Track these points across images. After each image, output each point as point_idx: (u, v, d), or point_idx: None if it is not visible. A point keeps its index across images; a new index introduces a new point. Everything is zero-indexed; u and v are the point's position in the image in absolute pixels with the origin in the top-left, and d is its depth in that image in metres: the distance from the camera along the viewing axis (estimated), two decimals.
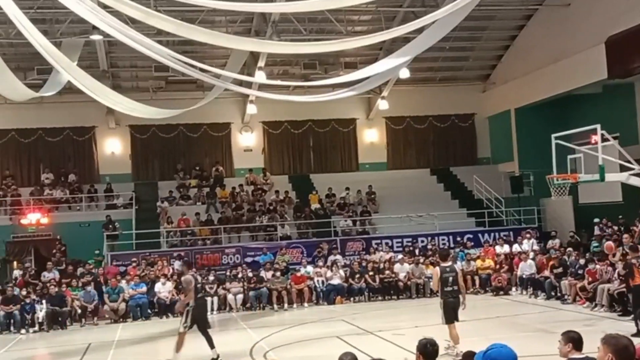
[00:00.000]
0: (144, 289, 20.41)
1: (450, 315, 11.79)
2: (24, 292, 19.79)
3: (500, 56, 29.37)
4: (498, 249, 22.73)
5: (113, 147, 28.21)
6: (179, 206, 26.38)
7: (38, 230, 24.37)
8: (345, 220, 25.89)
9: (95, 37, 20.64)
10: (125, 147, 28.34)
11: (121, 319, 19.74)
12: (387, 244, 24.17)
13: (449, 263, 12.40)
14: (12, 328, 18.91)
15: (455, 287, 11.92)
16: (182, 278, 13.87)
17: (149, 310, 20.15)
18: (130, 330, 18.15)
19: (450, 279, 11.87)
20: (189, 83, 26.07)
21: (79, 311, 19.66)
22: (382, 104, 28.71)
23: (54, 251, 23.30)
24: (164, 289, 20.36)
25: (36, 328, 18.94)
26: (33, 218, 24.40)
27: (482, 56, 29.57)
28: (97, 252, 23.11)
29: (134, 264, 21.99)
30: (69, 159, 27.70)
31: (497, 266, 21.64)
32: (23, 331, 18.71)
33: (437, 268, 12.54)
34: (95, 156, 28.12)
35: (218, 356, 12.83)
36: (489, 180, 27.68)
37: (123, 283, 20.49)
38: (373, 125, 30.29)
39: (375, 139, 30.39)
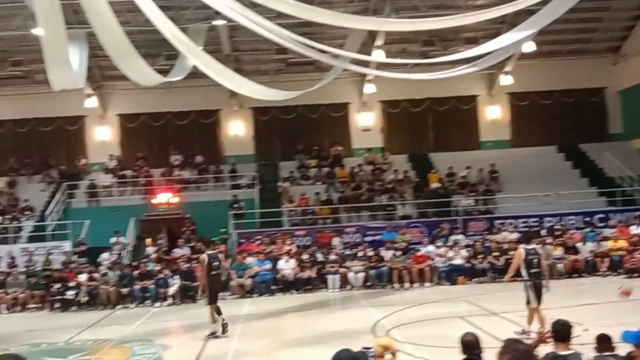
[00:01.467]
0: (269, 266, 21.03)
1: (539, 296, 11.90)
2: (157, 268, 20.95)
3: (631, 27, 27.59)
4: (633, 229, 21.57)
5: (236, 129, 29.08)
6: (299, 186, 26.87)
7: (169, 209, 25.61)
8: (467, 200, 25.39)
9: (219, 22, 21.26)
10: (248, 129, 29.15)
11: (248, 294, 20.47)
12: (511, 224, 23.50)
13: (533, 245, 12.54)
14: (147, 302, 20.09)
15: (540, 270, 12.11)
16: (199, 257, 14.99)
17: (273, 286, 20.74)
18: (256, 305, 18.76)
19: (535, 260, 12.05)
20: (308, 64, 26.33)
21: None
22: (505, 80, 27.80)
23: (184, 229, 24.42)
24: (287, 266, 20.88)
25: (169, 301, 20.00)
26: (164, 198, 25.66)
27: (612, 27, 27.89)
28: (223, 230, 23.98)
29: (258, 242, 22.67)
30: (195, 141, 28.84)
31: (632, 247, 20.55)
32: (157, 304, 19.82)
33: (521, 249, 12.51)
34: (220, 138, 29.14)
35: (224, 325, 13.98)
36: (621, 157, 26.25)
37: (249, 260, 21.19)
38: (495, 101, 29.40)
39: (498, 116, 29.49)
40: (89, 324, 17.09)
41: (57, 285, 20.25)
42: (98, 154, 28.17)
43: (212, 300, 14.25)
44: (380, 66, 23.30)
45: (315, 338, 13.51)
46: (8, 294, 20.35)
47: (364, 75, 26.21)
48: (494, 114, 29.49)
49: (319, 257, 21.56)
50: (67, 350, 13.61)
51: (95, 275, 20.56)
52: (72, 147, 28.52)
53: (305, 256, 21.59)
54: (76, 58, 15.16)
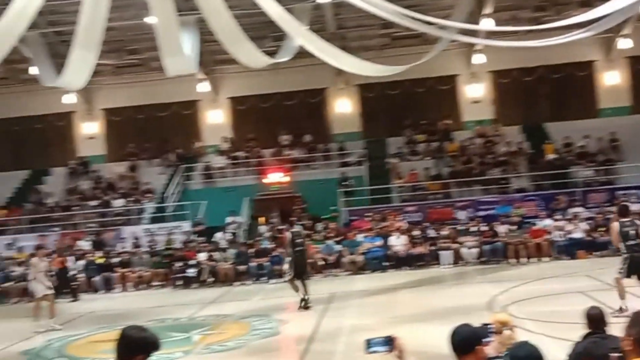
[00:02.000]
0: (380, 242, 21.05)
1: (632, 270, 11.56)
2: (271, 246, 21.47)
3: None
4: None
5: (343, 106, 29.15)
6: (408, 161, 26.64)
7: (280, 188, 26.13)
8: (586, 171, 24.29)
9: (323, 0, 21.27)
10: (355, 106, 29.15)
11: (359, 271, 20.61)
12: (634, 194, 22.27)
13: (629, 218, 12.05)
14: (263, 278, 20.67)
15: (638, 241, 11.65)
16: (284, 235, 16.03)
17: (385, 263, 20.76)
18: (368, 282, 18.85)
19: (631, 232, 11.64)
20: (414, 38, 25.94)
21: (321, 262, 20.86)
22: (624, 43, 26.22)
23: (295, 207, 24.85)
24: (398, 243, 20.83)
25: (284, 279, 20.44)
26: (275, 177, 26.21)
27: None
28: (333, 207, 24.20)
29: (368, 219, 22.73)
30: (303, 120, 29.18)
31: None
32: (272, 281, 20.34)
33: (616, 223, 12.09)
34: (327, 116, 29.33)
35: (306, 300, 14.97)
36: None
37: (360, 236, 21.30)
38: (613, 66, 27.82)
39: (617, 82, 27.91)
40: (209, 300, 17.79)
41: (179, 264, 21.20)
42: (212, 136, 29.09)
43: (298, 276, 15.22)
44: (490, 35, 22.60)
45: (430, 314, 13.42)
46: (134, 273, 21.50)
47: (473, 45, 25.50)
48: (612, 79, 27.93)
49: (431, 233, 21.35)
50: (190, 325, 14.23)
51: (214, 254, 21.33)
52: (188, 131, 29.60)
53: (416, 232, 21.45)
54: (188, 44, 15.65)
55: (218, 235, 22.82)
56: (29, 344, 13.39)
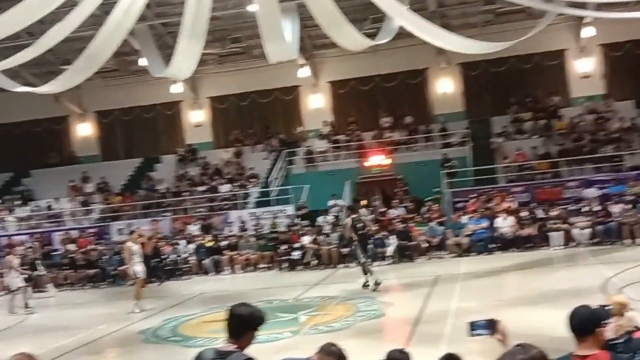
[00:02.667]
0: (485, 224, 20.62)
1: None
2: (374, 228, 21.47)
3: None
4: None
5: (445, 86, 28.63)
6: (514, 141, 25.87)
7: (382, 171, 26.06)
8: None
9: None
10: (457, 86, 28.56)
11: (465, 253, 20.29)
12: None
13: None
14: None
15: None
16: (345, 221, 16.81)
17: (491, 245, 20.33)
18: (474, 264, 18.53)
19: None
20: (518, 13, 25.09)
21: (425, 245, 20.70)
22: None
23: (397, 190, 24.73)
24: (505, 224, 20.33)
25: (388, 261, 20.46)
26: (376, 160, 26.15)
27: None
28: (436, 189, 23.90)
29: (472, 200, 22.29)
30: (404, 102, 28.90)
31: None
32: (376, 263, 20.33)
33: None
34: (428, 97, 28.93)
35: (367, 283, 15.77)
36: None
37: (464, 219, 20.95)
38: None
39: None
40: (314, 282, 18.06)
41: (284, 247, 21.62)
42: (313, 121, 29.36)
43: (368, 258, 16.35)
44: (601, 7, 21.47)
45: (539, 297, 13.06)
46: (241, 255, 22.12)
47: (582, 18, 24.35)
48: None
49: (539, 213, 20.69)
50: (297, 306, 14.51)
51: (318, 237, 21.59)
52: (289, 116, 30.01)
53: (524, 213, 20.84)
54: (289, 30, 15.79)
55: (320, 219, 23.07)
56: (146, 324, 14.07)
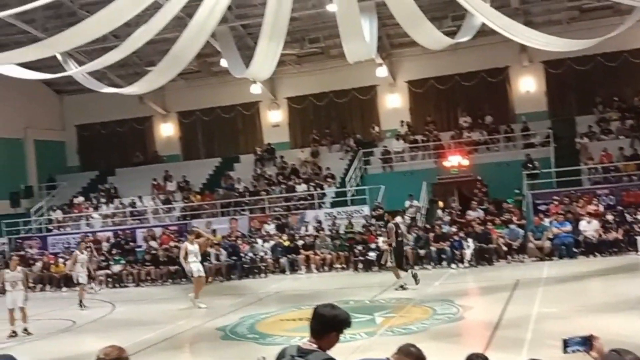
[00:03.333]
0: (569, 227, 19.96)
1: None
2: (452, 230, 21.16)
3: None
4: None
5: (527, 85, 27.93)
6: (600, 141, 24.96)
7: (460, 171, 25.64)
8: None
9: None
10: (540, 84, 27.82)
11: (546, 257, 19.71)
12: None
13: None
14: (443, 263, 20.44)
15: None
16: (388, 225, 17.26)
17: (575, 249, 19.67)
18: (556, 269, 17.98)
19: None
20: (605, 9, 24.23)
21: (505, 248, 20.22)
22: None
23: (476, 191, 24.27)
24: (589, 228, 19.63)
25: (465, 264, 20.10)
26: (454, 160, 25.74)
27: None
28: (517, 191, 23.32)
29: (555, 202, 21.64)
30: (484, 101, 28.34)
31: None
32: (453, 266, 20.06)
33: None
34: (509, 96, 28.27)
35: (404, 285, 16.36)
36: None
37: (547, 221, 20.35)
38: None
39: None
40: (390, 283, 17.91)
41: (359, 247, 21.57)
42: (389, 121, 29.19)
43: (399, 263, 16.81)
44: None
45: (623, 303, 12.55)
46: (317, 255, 22.20)
47: None
48: None
49: (627, 217, 19.87)
50: (372, 307, 14.42)
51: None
52: (366, 116, 29.94)
53: (609, 217, 20.06)
54: (367, 29, 15.74)
55: (398, 219, 22.84)
56: (224, 321, 14.30)
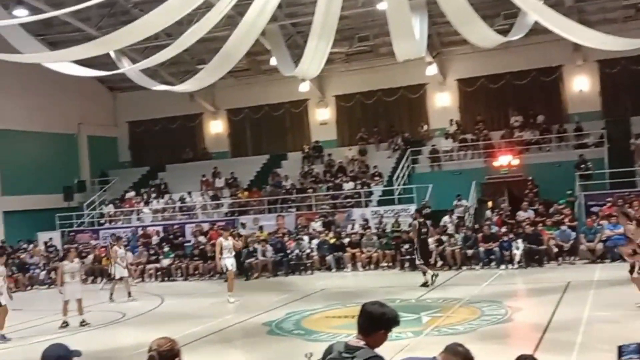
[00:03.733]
0: (622, 229, 19.44)
1: None
2: (501, 231, 20.86)
3: None
4: None
5: (581, 84, 27.37)
6: None
7: (510, 171, 25.27)
8: None
9: None
10: (594, 84, 27.25)
11: (598, 260, 19.28)
12: None
13: None
14: (492, 264, 20.17)
15: None
16: (412, 223, 17.43)
17: None
18: (608, 271, 17.55)
19: None
20: None
21: (555, 250, 19.85)
22: None
23: (526, 191, 23.87)
24: None
25: (514, 265, 19.80)
26: (504, 160, 25.38)
27: None
28: (569, 192, 22.86)
29: (608, 204, 21.14)
30: (536, 101, 27.86)
31: None
32: (502, 267, 19.78)
33: None
34: (562, 95, 27.73)
35: (426, 283, 16.84)
36: None
37: (599, 223, 19.90)
38: None
39: None
40: (437, 283, 17.77)
41: (406, 246, 21.43)
42: (438, 119, 28.97)
43: (425, 260, 17.41)
44: None
45: None
46: (363, 253, 22.17)
47: None
48: None
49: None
50: (419, 307, 14.33)
51: (442, 237, 21.25)
52: (414, 115, 29.76)
53: None
54: (417, 28, 15.63)
55: (445, 219, 22.69)
56: (270, 316, 14.41)
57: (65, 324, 14.81)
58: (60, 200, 29.70)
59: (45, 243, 26.13)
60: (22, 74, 25.79)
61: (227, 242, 17.48)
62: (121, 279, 18.91)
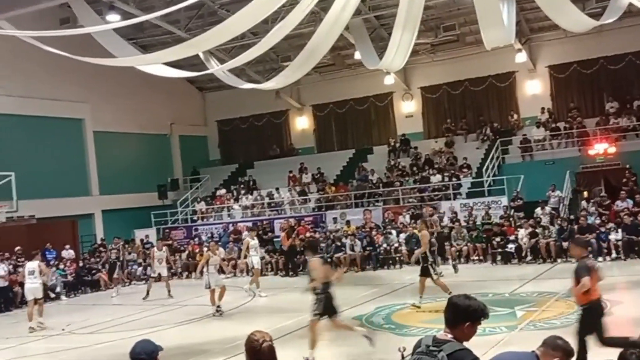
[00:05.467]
0: None
1: None
2: (598, 221, 20.08)
3: None
4: None
5: None
6: None
7: (606, 160, 24.28)
8: None
9: None
10: None
11: None
12: None
13: None
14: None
15: None
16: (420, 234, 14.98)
17: None
18: None
19: None
20: None
21: None
22: None
23: (624, 180, 22.86)
24: None
25: (612, 256, 19.02)
26: (600, 148, 24.42)
27: None
28: None
29: None
30: (632, 85, 26.61)
31: None
32: (600, 259, 19.02)
33: None
34: None
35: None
36: None
37: None
38: None
39: None
40: (530, 276, 17.33)
41: (497, 239, 20.97)
42: (529, 108, 28.17)
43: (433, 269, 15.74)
44: None
45: None
46: (453, 247, 21.83)
47: None
48: None
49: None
50: (512, 300, 14.01)
51: (535, 230, 20.66)
52: (503, 104, 29.05)
53: None
54: (506, 14, 15.21)
55: (538, 211, 22.02)
56: (359, 310, 14.42)
57: (219, 311, 15.75)
58: (154, 199, 30.76)
59: (142, 240, 27.12)
60: (116, 77, 26.87)
61: (253, 242, 19.08)
62: (160, 278, 19.80)
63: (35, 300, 16.04)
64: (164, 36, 26.28)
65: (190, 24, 24.98)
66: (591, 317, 7.66)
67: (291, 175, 30.41)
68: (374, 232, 23.29)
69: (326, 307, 10.48)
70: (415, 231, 22.62)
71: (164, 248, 20.74)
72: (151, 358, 4.18)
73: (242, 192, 30.57)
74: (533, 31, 27.14)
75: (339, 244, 22.63)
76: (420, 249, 14.61)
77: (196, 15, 24.81)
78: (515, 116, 28.36)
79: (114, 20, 20.82)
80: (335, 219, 25.59)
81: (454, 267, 17.24)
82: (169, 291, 19.51)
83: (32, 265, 16.33)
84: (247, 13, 11.37)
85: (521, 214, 22.40)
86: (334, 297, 10.58)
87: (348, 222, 24.68)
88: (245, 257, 19.83)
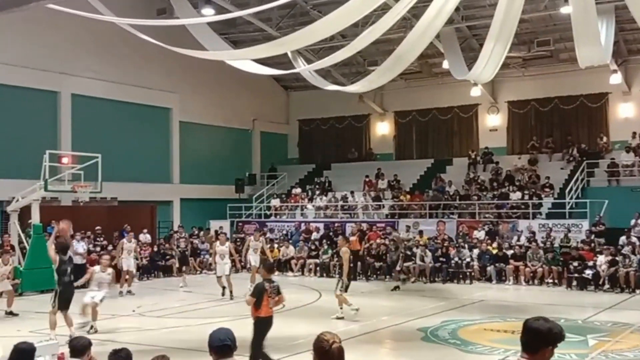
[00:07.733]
0: None
1: None
2: None
3: None
4: None
5: None
6: None
7: None
8: None
9: None
10: None
11: None
12: None
13: None
14: None
15: None
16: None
17: None
18: None
19: None
20: None
21: None
22: None
23: None
24: None
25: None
26: None
27: None
28: None
29: None
30: None
31: None
32: None
33: None
34: None
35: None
36: None
37: None
38: None
39: None
40: (606, 305, 16.68)
41: (575, 263, 20.28)
42: (619, 131, 27.16)
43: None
44: None
45: None
46: (527, 267, 21.25)
47: None
48: None
49: None
50: (585, 328, 13.50)
51: (616, 258, 19.86)
52: (593, 125, 28.11)
53: None
54: (603, 33, 14.72)
55: (623, 239, 21.14)
56: (425, 322, 14.22)
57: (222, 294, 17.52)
58: (231, 192, 31.30)
59: (216, 231, 27.64)
60: (205, 70, 27.53)
61: (254, 243, 19.76)
62: (128, 272, 19.82)
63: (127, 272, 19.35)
64: (254, 33, 26.72)
65: (281, 22, 25.30)
66: None
67: (367, 180, 30.34)
68: (445, 244, 22.92)
69: None
70: (490, 248, 22.23)
71: (261, 238, 20.45)
72: (234, 345, 4.44)
73: (317, 192, 30.72)
74: (631, 53, 26.13)
75: (409, 253, 22.41)
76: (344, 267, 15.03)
77: (288, 14, 25.10)
78: (605, 139, 27.37)
79: (209, 14, 21.31)
80: (408, 228, 25.37)
81: (404, 280, 18.44)
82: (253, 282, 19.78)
83: (130, 245, 20.02)
84: (339, 16, 11.43)
85: (602, 240, 21.58)
86: None
87: (421, 232, 24.40)
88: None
